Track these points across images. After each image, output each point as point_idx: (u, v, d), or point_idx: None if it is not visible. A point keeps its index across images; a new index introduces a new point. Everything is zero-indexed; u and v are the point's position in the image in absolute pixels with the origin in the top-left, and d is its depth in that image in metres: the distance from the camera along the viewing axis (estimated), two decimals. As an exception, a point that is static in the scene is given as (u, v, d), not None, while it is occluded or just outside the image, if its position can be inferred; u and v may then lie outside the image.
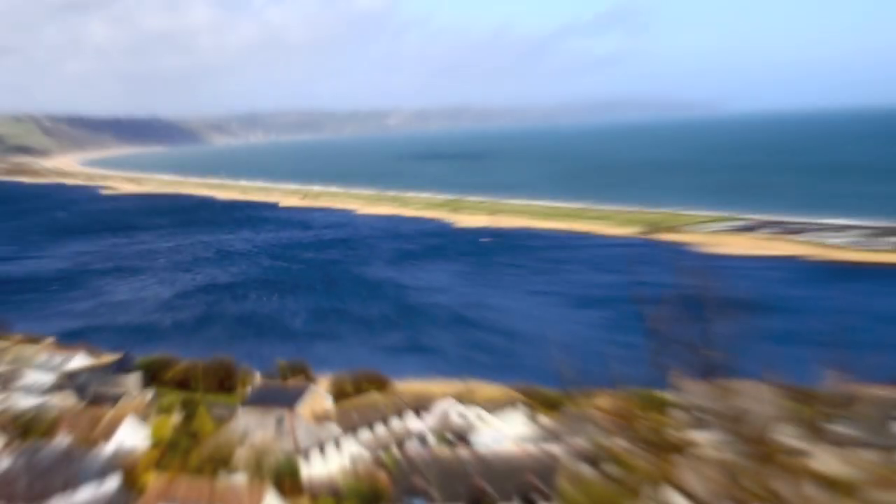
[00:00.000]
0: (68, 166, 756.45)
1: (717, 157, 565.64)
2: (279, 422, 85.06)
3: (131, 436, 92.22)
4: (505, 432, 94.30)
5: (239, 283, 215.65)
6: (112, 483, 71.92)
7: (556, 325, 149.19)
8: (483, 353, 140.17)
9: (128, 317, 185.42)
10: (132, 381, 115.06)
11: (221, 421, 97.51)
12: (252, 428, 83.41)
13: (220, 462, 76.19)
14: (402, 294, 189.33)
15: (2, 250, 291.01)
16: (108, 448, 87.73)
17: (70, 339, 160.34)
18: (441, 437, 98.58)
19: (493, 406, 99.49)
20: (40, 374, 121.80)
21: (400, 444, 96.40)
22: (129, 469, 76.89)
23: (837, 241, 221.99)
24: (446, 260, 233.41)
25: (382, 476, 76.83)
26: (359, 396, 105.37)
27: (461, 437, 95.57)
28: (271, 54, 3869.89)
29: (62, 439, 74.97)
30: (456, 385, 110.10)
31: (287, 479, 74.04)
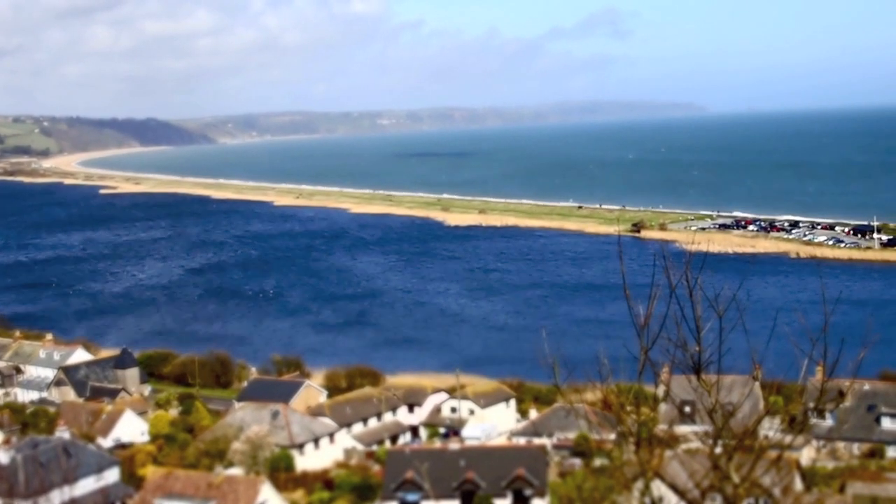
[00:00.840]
0: (68, 166, 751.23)
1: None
2: (274, 416, 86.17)
3: (130, 430, 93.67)
4: (496, 426, 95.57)
5: (233, 268, 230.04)
6: (111, 476, 72.89)
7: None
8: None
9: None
10: (130, 376, 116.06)
11: (218, 415, 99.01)
12: (248, 422, 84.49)
13: (217, 455, 77.31)
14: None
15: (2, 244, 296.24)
16: (107, 442, 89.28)
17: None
18: (433, 431, 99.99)
19: (483, 400, 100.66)
20: (40, 369, 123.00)
21: (393, 437, 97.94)
22: (127, 462, 78.12)
23: (821, 238, 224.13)
24: (432, 256, 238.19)
25: (375, 469, 78.07)
26: (352, 391, 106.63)
27: (453, 430, 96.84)
28: (267, 57, 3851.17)
29: (62, 433, 75.98)
30: (447, 380, 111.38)
31: (282, 472, 75.10)
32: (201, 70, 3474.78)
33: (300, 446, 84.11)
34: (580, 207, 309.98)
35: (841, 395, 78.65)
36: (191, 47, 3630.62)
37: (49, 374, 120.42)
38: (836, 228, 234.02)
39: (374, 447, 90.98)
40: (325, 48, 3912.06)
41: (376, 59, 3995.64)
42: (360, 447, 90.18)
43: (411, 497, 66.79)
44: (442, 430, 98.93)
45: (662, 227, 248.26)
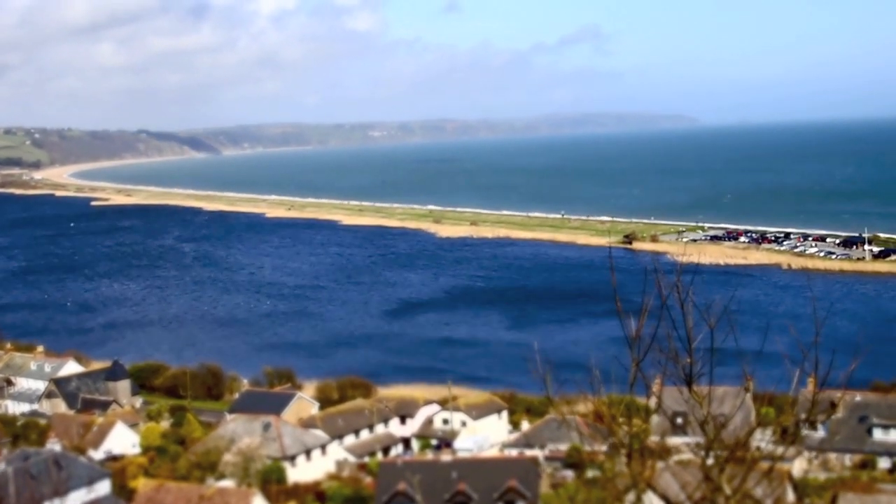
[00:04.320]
0: (59, 178, 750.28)
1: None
2: (266, 428, 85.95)
3: (121, 442, 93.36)
4: (488, 438, 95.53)
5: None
6: (102, 489, 72.56)
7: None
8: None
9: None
10: (122, 388, 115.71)
11: (209, 427, 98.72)
12: (239, 434, 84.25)
13: (208, 467, 77.10)
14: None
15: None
16: (99, 454, 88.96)
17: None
18: (425, 443, 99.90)
19: (475, 412, 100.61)
20: (31, 381, 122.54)
21: (384, 449, 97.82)
22: (118, 475, 77.82)
23: (813, 250, 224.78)
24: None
25: (367, 481, 77.90)
26: (344, 402, 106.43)
27: (445, 442, 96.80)
28: (263, 71, 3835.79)
29: (53, 445, 75.66)
30: (439, 391, 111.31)
31: (274, 484, 74.89)
32: (197, 83, 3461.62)
33: (292, 458, 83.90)
34: (567, 218, 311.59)
35: (832, 406, 78.76)
36: (190, 62, 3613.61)
37: (40, 386, 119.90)
38: (828, 240, 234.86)
39: (366, 459, 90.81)
40: (321, 63, 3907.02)
41: (370, 72, 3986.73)
42: (351, 459, 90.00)
43: (403, 509, 66.62)
44: (434, 442, 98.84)
45: (654, 239, 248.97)
